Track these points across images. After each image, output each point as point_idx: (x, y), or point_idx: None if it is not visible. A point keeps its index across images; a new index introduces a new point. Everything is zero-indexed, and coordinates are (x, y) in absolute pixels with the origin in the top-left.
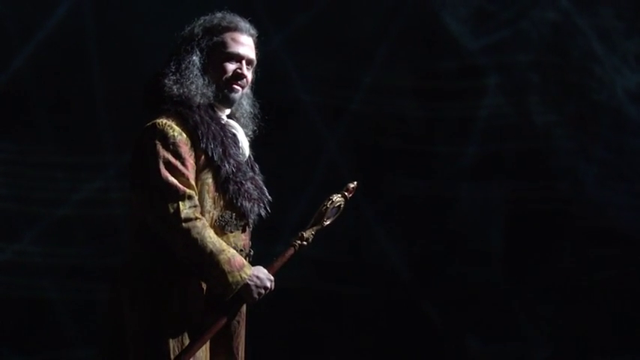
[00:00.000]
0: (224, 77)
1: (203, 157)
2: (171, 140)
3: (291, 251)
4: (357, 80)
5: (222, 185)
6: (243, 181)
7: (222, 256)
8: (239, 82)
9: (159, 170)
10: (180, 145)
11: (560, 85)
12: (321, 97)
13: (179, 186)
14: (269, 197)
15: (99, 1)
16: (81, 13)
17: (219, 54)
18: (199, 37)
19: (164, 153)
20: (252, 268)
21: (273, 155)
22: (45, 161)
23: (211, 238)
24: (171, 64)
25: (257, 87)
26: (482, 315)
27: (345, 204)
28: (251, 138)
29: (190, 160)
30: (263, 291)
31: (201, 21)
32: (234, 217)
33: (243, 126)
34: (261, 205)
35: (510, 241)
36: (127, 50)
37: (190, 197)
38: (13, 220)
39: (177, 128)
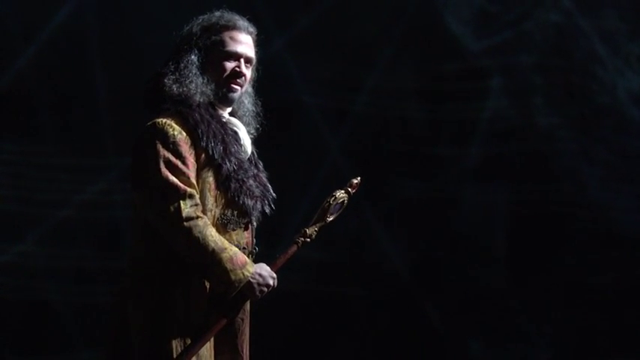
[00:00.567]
0: (223, 76)
1: (203, 155)
2: (172, 139)
3: (294, 248)
4: (360, 82)
5: (223, 183)
6: (245, 179)
7: (224, 255)
8: (238, 81)
9: (159, 170)
10: (181, 143)
11: (563, 87)
12: (324, 99)
13: (179, 185)
14: (273, 194)
15: (101, 3)
16: (83, 14)
17: (217, 53)
18: (198, 36)
19: (164, 152)
20: (255, 265)
21: (276, 157)
22: (47, 163)
23: (213, 236)
24: (170, 63)
25: (260, 89)
26: (485, 317)
27: (348, 200)
28: (254, 136)
29: (191, 159)
30: (266, 288)
31: (200, 20)
32: (236, 215)
33: (245, 124)
34: (265, 202)
35: (513, 243)
36: (129, 52)
37: (191, 196)
38: (15, 221)
39: (177, 127)
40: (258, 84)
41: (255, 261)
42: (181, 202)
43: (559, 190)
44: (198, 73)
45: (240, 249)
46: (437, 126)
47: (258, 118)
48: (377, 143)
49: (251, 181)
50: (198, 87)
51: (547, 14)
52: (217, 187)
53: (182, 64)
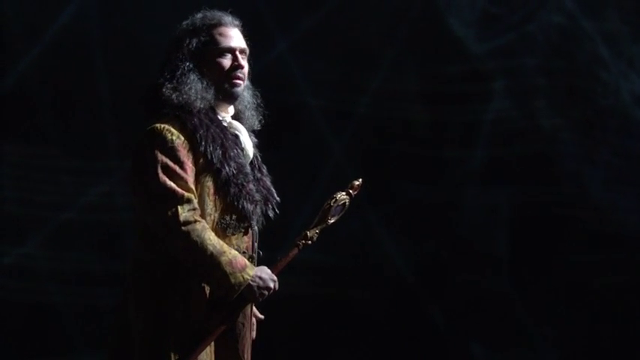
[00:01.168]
0: (223, 73)
1: (202, 159)
2: (170, 144)
3: (295, 251)
4: (363, 84)
5: (222, 188)
6: (245, 183)
7: (223, 258)
8: (239, 75)
9: (157, 174)
10: (179, 148)
11: (566, 90)
12: (327, 101)
13: (177, 190)
14: (277, 198)
15: (104, 5)
16: (86, 16)
17: (211, 52)
18: (187, 42)
19: (162, 157)
20: (255, 268)
21: (279, 159)
22: (50, 164)
23: (211, 240)
24: (165, 73)
25: (263, 91)
26: (488, 320)
27: (349, 202)
28: (258, 129)
29: (189, 164)
30: (266, 291)
31: (184, 26)
32: (235, 219)
33: (247, 119)
34: (269, 206)
35: (516, 245)
36: (133, 54)
37: (189, 200)
38: (17, 223)
39: (175, 132)
40: (261, 86)
41: (259, 265)
42: (179, 206)
43: (562, 192)
44: (196, 78)
45: (240, 254)
46: (440, 128)
47: (260, 110)
48: (380, 145)
49: (251, 186)
50: (198, 93)
51: (550, 16)
52: (216, 192)
53: (178, 72)
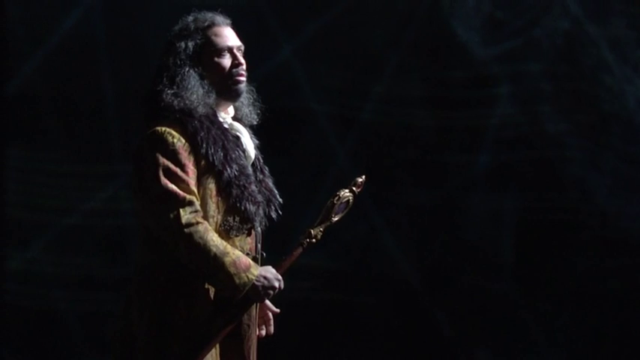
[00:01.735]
0: (225, 73)
1: (204, 162)
2: (171, 147)
3: (299, 250)
4: (368, 89)
5: (224, 189)
6: (247, 185)
7: (226, 259)
8: (241, 72)
9: (158, 178)
10: (180, 151)
11: (571, 95)
12: (332, 106)
13: (179, 192)
14: (280, 199)
15: (110, 8)
16: (92, 19)
17: (209, 54)
18: (183, 46)
19: (163, 160)
20: (260, 268)
21: (283, 164)
22: (55, 169)
23: (214, 241)
24: (164, 79)
25: (268, 96)
26: (493, 326)
27: (353, 199)
28: (256, 123)
29: (191, 166)
30: (271, 291)
31: (176, 31)
32: (238, 220)
33: (245, 115)
34: (272, 207)
35: (522, 250)
36: (138, 58)
37: (191, 203)
38: (22, 228)
39: (176, 134)
40: (266, 91)
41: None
42: (181, 209)
43: (567, 197)
44: (197, 83)
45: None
46: (445, 133)
47: (257, 105)
48: (385, 151)
49: (253, 187)
50: (199, 99)
51: (555, 21)
52: (219, 194)
53: (178, 78)
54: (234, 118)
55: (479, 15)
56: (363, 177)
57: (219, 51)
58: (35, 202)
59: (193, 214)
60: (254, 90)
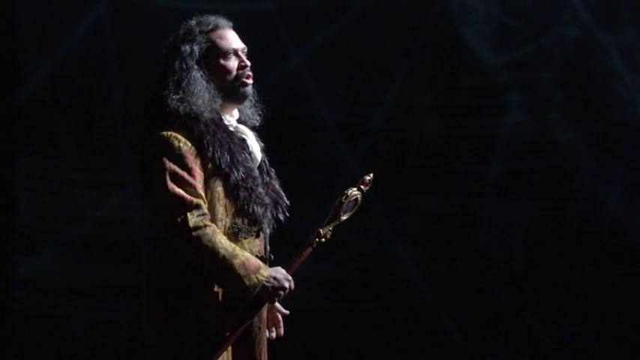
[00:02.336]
0: (232, 76)
1: (210, 165)
2: (177, 151)
3: (309, 250)
4: (378, 97)
5: (232, 192)
6: (254, 187)
7: (235, 261)
8: (248, 74)
9: (165, 182)
10: (187, 155)
11: (582, 103)
12: (342, 114)
13: (186, 196)
14: (287, 202)
15: (119, 16)
16: (101, 27)
17: (214, 57)
18: (188, 50)
19: (170, 164)
20: (269, 269)
21: (294, 172)
22: (65, 177)
23: (223, 243)
24: (169, 84)
25: (278, 104)
26: (503, 333)
27: (362, 198)
28: (260, 125)
29: (197, 170)
30: (282, 292)
31: (180, 35)
32: (246, 223)
33: (248, 117)
34: (279, 209)
35: (532, 258)
36: (148, 65)
37: (198, 206)
38: (32, 236)
39: (182, 138)
40: (276, 99)
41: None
42: (188, 213)
43: (578, 205)
44: (203, 88)
45: None
46: (455, 141)
47: (259, 106)
48: (395, 159)
49: (260, 189)
50: (206, 104)
51: (566, 29)
52: (226, 196)
53: (184, 83)
54: (238, 121)
55: (489, 23)
56: (371, 175)
57: (225, 54)
58: (45, 210)
59: (201, 217)
60: (255, 92)
